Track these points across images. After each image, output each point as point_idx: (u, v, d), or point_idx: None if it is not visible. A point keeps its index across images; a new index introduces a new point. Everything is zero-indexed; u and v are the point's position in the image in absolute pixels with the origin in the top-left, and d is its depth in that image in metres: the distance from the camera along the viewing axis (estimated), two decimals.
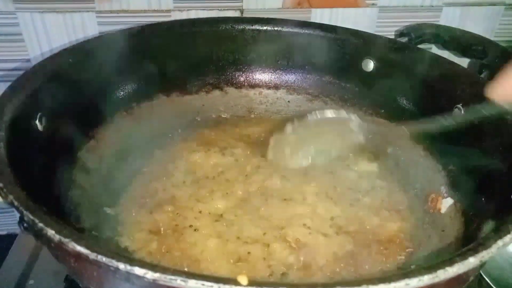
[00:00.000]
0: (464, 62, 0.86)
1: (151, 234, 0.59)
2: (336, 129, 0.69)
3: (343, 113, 0.69)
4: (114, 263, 0.36)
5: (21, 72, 0.60)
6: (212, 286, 0.34)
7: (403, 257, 0.58)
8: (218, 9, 0.84)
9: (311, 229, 0.60)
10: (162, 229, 0.59)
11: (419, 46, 0.79)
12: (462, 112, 0.64)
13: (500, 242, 0.40)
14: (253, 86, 0.83)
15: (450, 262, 0.38)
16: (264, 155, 0.71)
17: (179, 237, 0.58)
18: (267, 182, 0.66)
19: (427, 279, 0.36)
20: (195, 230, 0.59)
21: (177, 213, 0.61)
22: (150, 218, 0.61)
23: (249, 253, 0.56)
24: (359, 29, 0.79)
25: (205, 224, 0.60)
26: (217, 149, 0.72)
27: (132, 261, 0.36)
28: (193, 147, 0.73)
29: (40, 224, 0.39)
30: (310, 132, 0.69)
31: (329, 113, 0.68)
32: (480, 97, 0.61)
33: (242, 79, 0.83)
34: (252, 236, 0.59)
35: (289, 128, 0.69)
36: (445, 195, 0.64)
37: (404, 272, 0.37)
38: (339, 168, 0.70)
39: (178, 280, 0.35)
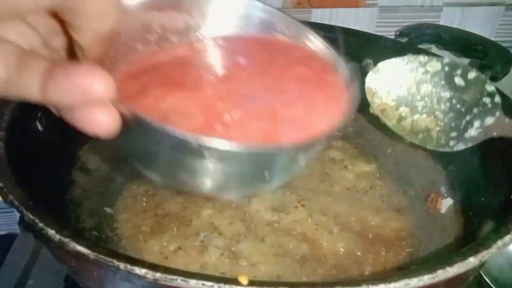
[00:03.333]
0: (464, 62, 0.86)
1: (152, 232, 0.58)
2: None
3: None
4: (114, 263, 0.36)
5: None
6: (212, 286, 0.34)
7: (403, 257, 0.58)
8: None
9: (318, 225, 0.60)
10: (163, 226, 0.59)
11: (419, 46, 0.79)
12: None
13: (500, 242, 0.40)
14: None
15: (450, 262, 0.38)
16: None
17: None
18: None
19: (427, 279, 0.36)
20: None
21: (180, 210, 0.61)
22: (151, 217, 0.61)
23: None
24: (359, 29, 0.79)
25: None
26: None
27: (132, 261, 0.36)
28: None
29: (41, 224, 0.39)
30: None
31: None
32: None
33: None
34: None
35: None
36: (445, 195, 0.64)
37: (404, 272, 0.37)
38: (336, 169, 0.70)
39: (179, 280, 0.35)
